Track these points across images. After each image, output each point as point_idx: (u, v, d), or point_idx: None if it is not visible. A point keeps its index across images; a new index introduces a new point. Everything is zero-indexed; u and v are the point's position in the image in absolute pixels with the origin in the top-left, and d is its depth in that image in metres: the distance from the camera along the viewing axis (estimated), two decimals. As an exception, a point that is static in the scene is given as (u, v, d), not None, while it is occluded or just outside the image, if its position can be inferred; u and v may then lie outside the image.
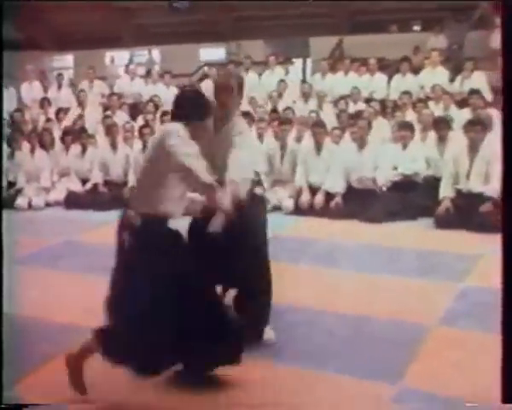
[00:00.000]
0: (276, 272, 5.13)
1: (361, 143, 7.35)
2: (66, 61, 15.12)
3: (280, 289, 4.63)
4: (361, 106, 9.26)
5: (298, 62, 13.08)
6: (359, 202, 7.00)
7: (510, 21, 2.54)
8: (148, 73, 12.35)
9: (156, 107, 9.85)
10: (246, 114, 8.55)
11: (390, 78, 10.30)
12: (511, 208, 2.59)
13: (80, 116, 9.82)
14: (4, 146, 8.25)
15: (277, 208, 7.57)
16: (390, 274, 5.09)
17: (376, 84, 10.26)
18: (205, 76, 12.39)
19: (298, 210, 7.42)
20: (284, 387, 3.38)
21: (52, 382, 3.53)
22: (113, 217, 3.71)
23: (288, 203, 7.53)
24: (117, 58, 13.92)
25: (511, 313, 2.51)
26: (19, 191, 8.48)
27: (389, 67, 10.96)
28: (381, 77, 10.36)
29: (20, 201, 8.34)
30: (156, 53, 14.60)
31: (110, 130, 8.77)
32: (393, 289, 4.79)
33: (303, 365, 3.59)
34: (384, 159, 7.27)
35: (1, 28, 2.96)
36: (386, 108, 8.98)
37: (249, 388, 3.36)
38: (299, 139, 8.07)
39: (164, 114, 8.99)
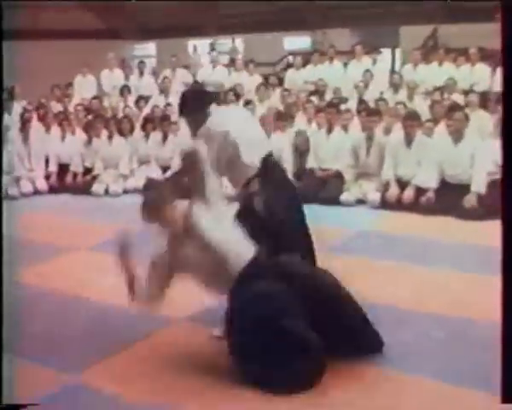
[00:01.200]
0: (359, 268, 4.99)
1: (457, 136, 6.97)
2: (148, 49, 15.29)
3: (364, 287, 4.45)
4: (458, 98, 8.84)
5: (386, 52, 12.72)
6: (454, 198, 6.64)
7: (510, 21, 2.51)
8: (232, 62, 12.29)
9: (237, 96, 9.75)
10: (331, 105, 8.43)
11: (494, 69, 9.71)
12: None
13: (164, 104, 9.84)
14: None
15: (362, 202, 7.38)
16: (490, 274, 4.74)
17: (478, 75, 9.76)
18: (289, 65, 12.24)
19: (384, 204, 7.14)
20: (374, 389, 3.17)
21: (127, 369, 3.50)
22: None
23: (374, 197, 7.27)
24: (200, 47, 13.96)
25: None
26: (95, 177, 8.59)
27: (492, 58, 10.37)
28: (482, 68, 9.85)
29: (97, 187, 8.45)
30: (239, 42, 14.56)
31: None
32: (494, 289, 4.45)
33: (393, 367, 3.38)
34: (483, 154, 6.83)
35: (1, 27, 2.95)
36: (489, 100, 8.50)
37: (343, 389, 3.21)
38: (388, 131, 7.77)
39: (247, 102, 8.88)
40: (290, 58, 12.59)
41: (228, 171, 3.63)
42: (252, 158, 3.62)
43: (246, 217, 3.50)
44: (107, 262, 5.43)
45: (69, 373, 3.45)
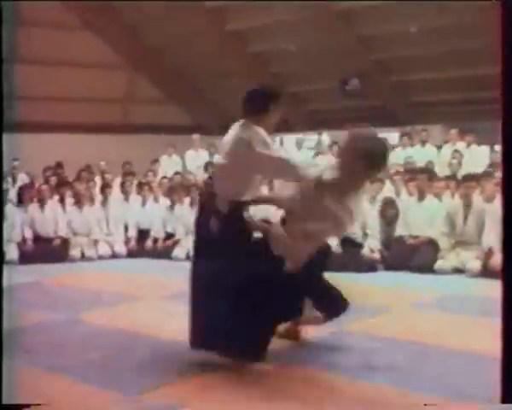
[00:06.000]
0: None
1: None
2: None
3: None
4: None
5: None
6: None
7: (510, 21, 2.50)
8: (317, 155, 12.27)
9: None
10: (422, 172, 8.20)
11: None
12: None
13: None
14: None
15: (459, 271, 7.01)
16: None
17: None
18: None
19: (486, 273, 6.61)
20: None
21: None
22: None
23: (474, 265, 6.85)
24: (286, 142, 14.11)
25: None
26: (176, 243, 8.57)
27: None
28: None
29: (178, 252, 8.43)
30: (326, 136, 14.61)
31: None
32: None
33: None
34: None
35: (0, 30, 2.76)
36: None
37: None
38: (490, 199, 7.33)
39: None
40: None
41: None
42: None
43: None
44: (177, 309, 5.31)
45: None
